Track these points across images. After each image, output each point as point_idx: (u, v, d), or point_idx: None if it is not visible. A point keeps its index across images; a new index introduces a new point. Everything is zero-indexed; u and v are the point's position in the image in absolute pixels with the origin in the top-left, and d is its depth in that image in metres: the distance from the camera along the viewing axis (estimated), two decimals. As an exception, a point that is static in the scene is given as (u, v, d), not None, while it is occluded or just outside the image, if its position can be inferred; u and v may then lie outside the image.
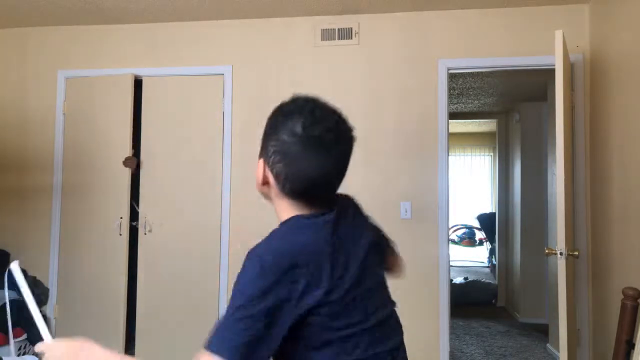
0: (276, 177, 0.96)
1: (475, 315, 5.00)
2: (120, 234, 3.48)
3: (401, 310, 1.15)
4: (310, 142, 0.92)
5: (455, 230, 9.61)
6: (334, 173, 0.96)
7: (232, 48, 3.54)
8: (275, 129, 0.95)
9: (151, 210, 3.54)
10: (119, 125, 3.53)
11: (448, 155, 3.30)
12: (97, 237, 3.52)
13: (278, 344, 0.87)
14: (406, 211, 3.27)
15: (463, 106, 5.64)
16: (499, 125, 5.88)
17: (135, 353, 3.47)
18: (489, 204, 9.30)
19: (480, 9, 3.28)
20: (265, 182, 1.01)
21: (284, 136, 0.93)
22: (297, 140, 0.92)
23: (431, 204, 3.26)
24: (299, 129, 0.92)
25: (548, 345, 4.03)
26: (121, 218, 3.47)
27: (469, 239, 9.72)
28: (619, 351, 1.84)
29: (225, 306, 3.30)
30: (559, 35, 2.41)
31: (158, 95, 3.58)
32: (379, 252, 1.15)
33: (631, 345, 1.79)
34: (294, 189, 0.95)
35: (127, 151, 3.50)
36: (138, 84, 3.64)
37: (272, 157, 0.95)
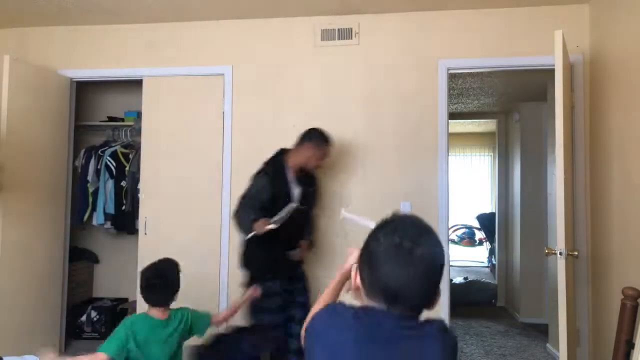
0: (362, 281, 1.04)
1: (475, 315, 5.00)
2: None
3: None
4: (389, 251, 0.99)
5: (455, 230, 9.61)
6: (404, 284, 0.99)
7: (232, 48, 3.54)
8: (367, 240, 1.04)
9: (151, 210, 3.54)
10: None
11: (448, 155, 3.30)
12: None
13: None
14: (406, 211, 3.27)
15: (463, 106, 5.64)
16: (498, 125, 5.88)
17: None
18: (488, 204, 9.30)
19: (480, 9, 3.28)
20: (357, 288, 1.07)
21: (371, 245, 1.02)
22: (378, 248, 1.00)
23: (431, 204, 3.26)
24: (380, 237, 1.01)
25: (548, 345, 4.04)
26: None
27: (468, 239, 9.73)
28: (618, 351, 1.84)
29: (225, 305, 3.25)
30: (558, 35, 2.42)
31: (158, 95, 3.58)
32: None
33: (631, 345, 1.79)
34: (368, 293, 1.02)
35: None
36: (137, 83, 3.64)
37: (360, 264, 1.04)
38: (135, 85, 3.88)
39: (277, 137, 3.45)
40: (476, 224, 8.36)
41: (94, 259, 4.50)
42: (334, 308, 1.10)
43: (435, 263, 1.01)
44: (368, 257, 1.02)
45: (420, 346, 1.01)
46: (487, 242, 7.69)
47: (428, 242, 1.00)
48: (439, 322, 1.07)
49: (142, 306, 3.49)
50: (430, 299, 1.03)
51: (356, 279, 1.07)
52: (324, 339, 1.03)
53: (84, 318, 4.03)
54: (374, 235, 1.03)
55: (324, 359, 1.01)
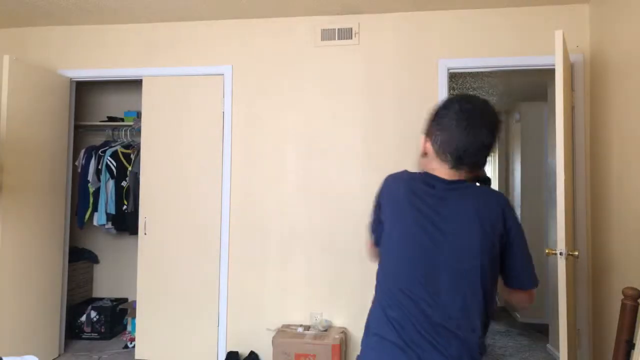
0: (433, 145, 1.24)
1: (475, 315, 4.99)
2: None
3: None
4: (465, 118, 1.20)
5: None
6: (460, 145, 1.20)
7: (232, 48, 3.54)
8: (437, 113, 1.25)
9: (151, 211, 3.54)
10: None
11: (448, 155, 3.29)
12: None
13: None
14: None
15: (463, 106, 5.64)
16: (499, 125, 5.86)
17: (136, 353, 3.47)
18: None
19: (480, 9, 3.28)
20: (424, 154, 1.27)
21: (442, 112, 1.24)
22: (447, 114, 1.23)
23: (431, 204, 3.25)
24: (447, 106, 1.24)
25: (548, 345, 4.03)
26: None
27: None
28: (619, 351, 1.83)
29: (226, 306, 3.26)
30: (559, 35, 2.41)
31: (158, 95, 3.58)
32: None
33: (631, 345, 1.79)
34: (438, 154, 1.23)
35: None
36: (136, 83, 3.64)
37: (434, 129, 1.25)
38: (135, 85, 3.89)
39: (277, 137, 3.45)
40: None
41: (94, 259, 4.50)
42: (396, 173, 1.31)
43: (492, 127, 1.21)
44: (438, 123, 1.22)
45: (466, 197, 1.21)
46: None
47: (485, 109, 1.22)
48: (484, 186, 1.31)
49: (142, 306, 3.49)
50: (484, 161, 1.24)
51: (426, 145, 1.26)
52: (387, 193, 1.27)
53: (83, 318, 4.03)
54: (440, 106, 1.25)
55: (389, 208, 1.24)
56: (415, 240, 1.18)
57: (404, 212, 1.21)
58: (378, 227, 1.31)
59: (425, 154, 1.26)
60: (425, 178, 1.23)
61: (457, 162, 1.21)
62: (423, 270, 1.16)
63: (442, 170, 1.23)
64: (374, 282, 3.46)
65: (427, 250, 1.17)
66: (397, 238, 1.21)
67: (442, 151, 1.21)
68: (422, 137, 1.27)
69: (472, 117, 1.20)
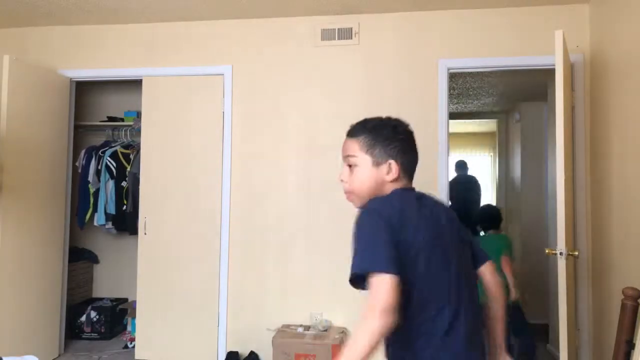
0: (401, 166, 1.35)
1: (475, 315, 4.98)
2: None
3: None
4: (411, 139, 1.43)
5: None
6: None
7: (232, 48, 3.54)
8: (387, 137, 1.40)
9: (151, 211, 3.54)
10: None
11: (448, 155, 3.29)
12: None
13: None
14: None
15: (463, 106, 5.64)
16: (499, 125, 5.88)
17: (136, 353, 3.47)
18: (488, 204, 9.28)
19: (480, 9, 3.28)
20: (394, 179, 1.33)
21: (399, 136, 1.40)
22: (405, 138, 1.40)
23: (431, 204, 3.25)
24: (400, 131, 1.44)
25: (548, 345, 4.03)
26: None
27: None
28: (619, 351, 1.83)
29: (226, 306, 3.25)
30: (559, 35, 2.41)
31: (158, 95, 3.58)
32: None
33: (631, 345, 1.79)
34: (404, 175, 1.36)
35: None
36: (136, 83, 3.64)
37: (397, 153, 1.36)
38: (135, 85, 3.89)
39: (277, 137, 3.45)
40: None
41: (94, 259, 4.50)
42: (388, 197, 1.31)
43: None
44: (402, 148, 1.38)
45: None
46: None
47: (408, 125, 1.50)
48: None
49: (142, 306, 3.49)
50: None
51: (398, 169, 1.33)
52: (397, 213, 1.22)
53: (83, 318, 4.03)
54: (386, 132, 1.44)
55: (412, 226, 1.21)
56: (444, 246, 1.25)
57: (423, 224, 1.24)
58: (394, 251, 1.15)
59: (398, 177, 1.35)
60: (408, 192, 1.34)
61: (412, 176, 1.40)
62: (456, 269, 1.24)
63: (408, 186, 1.38)
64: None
65: (451, 251, 1.26)
66: (436, 250, 1.22)
67: (410, 170, 1.38)
68: (389, 162, 1.34)
69: (412, 135, 1.44)
